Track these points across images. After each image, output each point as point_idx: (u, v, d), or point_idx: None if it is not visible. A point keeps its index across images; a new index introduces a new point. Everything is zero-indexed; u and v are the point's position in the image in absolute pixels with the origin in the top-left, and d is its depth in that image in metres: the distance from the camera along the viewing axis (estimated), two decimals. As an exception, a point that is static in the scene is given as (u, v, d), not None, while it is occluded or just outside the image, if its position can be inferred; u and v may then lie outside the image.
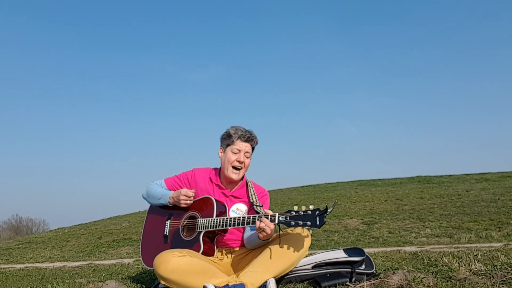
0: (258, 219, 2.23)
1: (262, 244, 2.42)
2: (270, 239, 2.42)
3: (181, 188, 2.63)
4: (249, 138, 2.57)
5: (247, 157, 2.58)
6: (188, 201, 2.47)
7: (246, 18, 40.54)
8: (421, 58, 36.49)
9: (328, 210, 2.11)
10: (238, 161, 2.53)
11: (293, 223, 2.14)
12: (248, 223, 2.28)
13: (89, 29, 38.79)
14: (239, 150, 2.54)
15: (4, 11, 37.04)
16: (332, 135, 40.16)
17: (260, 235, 2.23)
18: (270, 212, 2.25)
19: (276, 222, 2.19)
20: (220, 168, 2.64)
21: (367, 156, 41.91)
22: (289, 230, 2.20)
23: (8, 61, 38.91)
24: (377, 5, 38.76)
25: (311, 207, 2.16)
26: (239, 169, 2.55)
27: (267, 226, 2.19)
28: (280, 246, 2.27)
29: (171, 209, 2.62)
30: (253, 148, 2.63)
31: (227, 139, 2.59)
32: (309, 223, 2.12)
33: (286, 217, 2.17)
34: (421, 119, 38.15)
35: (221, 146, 2.65)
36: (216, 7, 41.58)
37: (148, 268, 2.57)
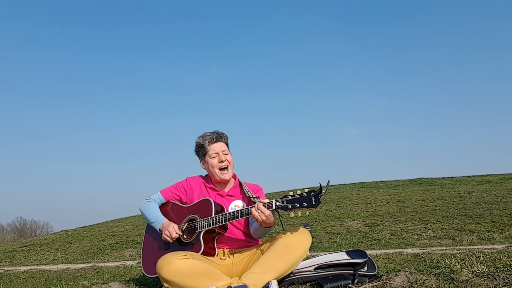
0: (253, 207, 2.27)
1: (267, 231, 2.49)
2: (271, 237, 2.45)
3: (180, 196, 2.71)
4: (217, 137, 2.66)
5: (226, 154, 2.65)
6: (168, 238, 2.49)
7: (247, 19, 40.59)
8: (422, 59, 36.47)
9: (323, 191, 2.15)
10: (220, 161, 2.61)
11: (290, 206, 2.19)
12: (246, 214, 2.31)
13: (90, 30, 38.91)
14: (217, 153, 2.63)
15: (3, 11, 37.20)
16: (333, 136, 40.14)
17: (259, 220, 2.27)
18: (267, 200, 2.30)
19: (274, 208, 2.23)
20: (210, 175, 2.71)
21: (368, 158, 41.76)
22: (292, 213, 2.21)
23: (8, 61, 39.07)
24: (378, 6, 38.77)
25: (305, 189, 2.21)
26: (226, 168, 2.63)
27: (262, 212, 2.23)
28: (284, 230, 2.31)
29: (171, 215, 2.66)
30: (227, 144, 2.70)
31: (201, 150, 2.68)
32: (305, 204, 2.16)
33: (282, 202, 2.22)
34: (422, 120, 38.09)
35: (199, 159, 2.73)
36: (217, 9, 41.66)
37: (149, 276, 2.59)
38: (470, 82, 35.99)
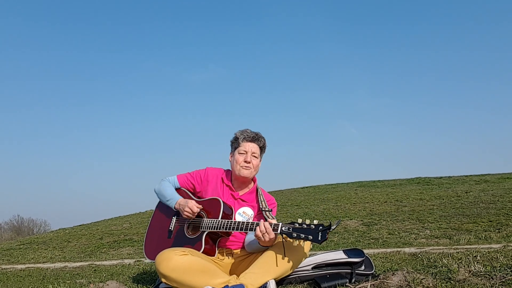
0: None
1: (261, 249, 2.43)
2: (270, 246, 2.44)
3: (194, 185, 2.68)
4: (254, 138, 2.62)
5: (255, 157, 2.62)
6: (190, 215, 2.49)
7: (247, 18, 40.52)
8: (422, 59, 36.48)
9: (332, 227, 2.12)
10: (245, 161, 2.58)
11: (295, 235, 2.16)
12: (251, 229, 2.29)
13: (89, 29, 38.75)
14: (245, 151, 2.59)
15: (3, 11, 37.04)
16: (332, 136, 40.08)
17: (260, 241, 2.25)
18: (274, 221, 2.27)
19: (279, 232, 2.21)
20: (231, 169, 2.69)
21: (367, 157, 41.81)
22: (296, 242, 2.21)
23: (7, 60, 38.91)
24: (378, 5, 38.76)
25: (315, 221, 2.17)
26: (248, 168, 2.59)
27: (268, 233, 2.21)
28: (284, 256, 2.27)
29: None
30: (261, 149, 2.66)
31: (235, 143, 2.66)
32: (310, 237, 2.13)
33: (289, 228, 2.19)
34: (421, 120, 38.11)
35: (230, 151, 2.71)
36: (216, 8, 41.58)
37: (149, 260, 2.60)
38: (468, 82, 36.07)
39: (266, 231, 2.21)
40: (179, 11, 39.71)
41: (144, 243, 2.75)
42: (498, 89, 36.79)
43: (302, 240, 2.17)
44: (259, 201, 2.60)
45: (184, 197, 2.63)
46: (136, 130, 40.61)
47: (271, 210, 2.53)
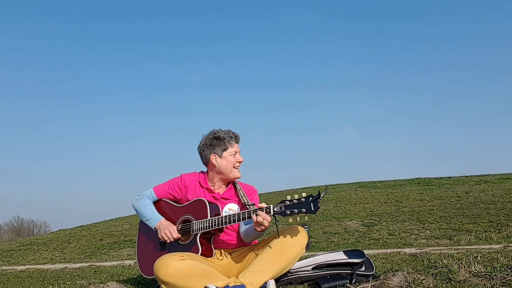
0: (253, 213, 2.25)
1: (259, 235, 2.45)
2: (267, 236, 2.45)
3: (173, 195, 2.68)
4: (238, 138, 2.71)
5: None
6: (166, 238, 2.48)
7: (246, 18, 40.57)
8: (422, 59, 36.52)
9: (321, 195, 2.13)
10: (239, 161, 2.65)
11: (288, 212, 2.16)
12: (244, 219, 2.29)
13: (89, 30, 38.82)
14: (236, 152, 2.66)
15: (3, 11, 37.08)
16: (332, 136, 40.13)
17: (258, 229, 2.25)
18: (264, 205, 2.27)
19: (272, 213, 2.22)
20: (214, 172, 2.66)
21: (367, 158, 41.86)
22: (290, 219, 2.21)
23: (8, 61, 38.95)
24: (377, 5, 38.80)
25: (303, 194, 2.18)
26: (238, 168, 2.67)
27: (264, 219, 2.22)
28: (279, 237, 2.29)
29: (164, 215, 2.62)
30: None
31: (220, 145, 2.63)
32: (304, 209, 2.14)
33: (280, 207, 2.19)
34: (421, 120, 38.17)
35: (212, 153, 2.64)
36: (215, 8, 41.63)
37: (148, 277, 2.58)
38: (468, 82, 36.09)
39: (263, 218, 2.22)
40: (179, 11, 39.77)
41: (138, 262, 2.71)
42: (498, 89, 36.82)
43: (298, 217, 2.17)
44: (240, 196, 2.62)
45: (166, 211, 2.63)
46: (135, 130, 40.65)
47: (254, 204, 2.52)
